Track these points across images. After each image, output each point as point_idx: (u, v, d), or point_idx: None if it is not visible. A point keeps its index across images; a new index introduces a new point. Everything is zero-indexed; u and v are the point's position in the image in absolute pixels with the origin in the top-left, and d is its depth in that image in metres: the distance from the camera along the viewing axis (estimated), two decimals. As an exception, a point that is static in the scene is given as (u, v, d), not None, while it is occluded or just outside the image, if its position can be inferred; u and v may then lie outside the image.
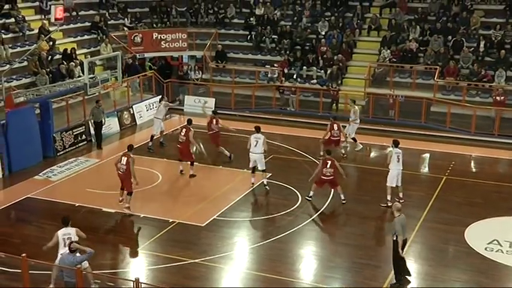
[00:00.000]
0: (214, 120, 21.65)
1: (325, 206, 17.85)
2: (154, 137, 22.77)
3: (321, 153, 20.99)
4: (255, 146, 18.86)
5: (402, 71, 28.07)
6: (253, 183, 19.20)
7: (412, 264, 14.65)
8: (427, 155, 22.96)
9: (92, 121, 23.19)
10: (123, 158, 17.15)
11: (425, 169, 21.96)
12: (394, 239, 13.45)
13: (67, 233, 12.86)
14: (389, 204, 17.21)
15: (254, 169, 19.17)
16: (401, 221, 13.54)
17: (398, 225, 13.41)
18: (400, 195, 17.96)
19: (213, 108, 27.19)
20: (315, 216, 17.33)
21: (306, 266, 15.07)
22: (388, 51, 28.27)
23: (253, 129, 19.41)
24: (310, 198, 18.04)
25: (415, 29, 28.92)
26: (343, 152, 22.21)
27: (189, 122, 20.31)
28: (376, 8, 30.95)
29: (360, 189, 19.57)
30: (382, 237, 16.27)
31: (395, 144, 18.04)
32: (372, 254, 15.33)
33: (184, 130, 19.88)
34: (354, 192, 19.08)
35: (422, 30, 28.84)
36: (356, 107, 23.27)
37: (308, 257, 15.46)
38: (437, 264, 14.87)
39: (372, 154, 23.60)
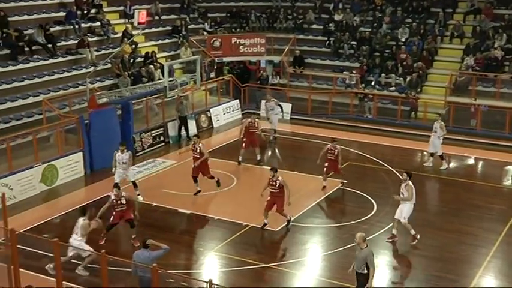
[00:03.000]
0: (254, 122, 21.62)
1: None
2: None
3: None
4: None
5: (486, 80, 27.18)
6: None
7: (492, 280, 14.13)
8: (510, 167, 22.11)
9: (177, 116, 24.10)
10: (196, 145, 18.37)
11: (508, 182, 21.14)
12: (366, 272, 12.27)
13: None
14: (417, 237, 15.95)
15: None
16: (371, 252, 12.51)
17: (371, 256, 12.33)
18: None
19: (289, 114, 27.31)
20: (390, 225, 16.97)
21: (379, 276, 14.74)
22: (472, 59, 27.46)
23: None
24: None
25: (501, 36, 27.95)
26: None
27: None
28: (460, 14, 30.15)
29: (438, 200, 19.07)
30: (462, 250, 15.75)
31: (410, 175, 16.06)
32: (450, 268, 14.86)
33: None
34: (433, 203, 18.62)
35: (509, 37, 27.86)
36: (442, 122, 21.83)
37: (382, 267, 15.13)
38: (518, 281, 14.29)
39: (452, 165, 22.95)
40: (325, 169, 19.33)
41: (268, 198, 16.59)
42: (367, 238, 15.92)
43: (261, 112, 28.22)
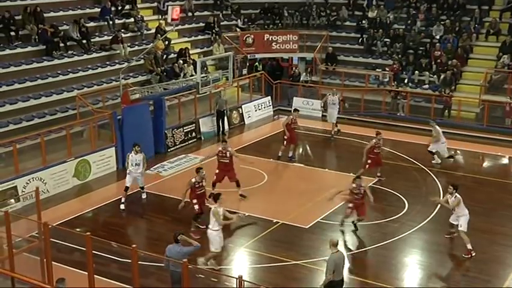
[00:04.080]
0: (296, 119, 21.57)
1: (432, 215, 17.26)
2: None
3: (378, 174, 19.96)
4: None
5: (522, 78, 26.72)
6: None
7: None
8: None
9: (216, 110, 24.45)
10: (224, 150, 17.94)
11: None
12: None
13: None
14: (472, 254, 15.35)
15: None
16: (337, 259, 12.32)
17: (331, 262, 12.19)
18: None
19: (321, 111, 27.18)
20: (422, 224, 16.81)
21: (410, 275, 14.65)
22: (508, 57, 26.97)
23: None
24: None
25: (538, 33, 27.46)
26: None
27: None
28: (496, 11, 29.61)
29: (471, 199, 18.73)
30: (494, 250, 15.51)
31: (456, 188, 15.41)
32: (482, 268, 14.66)
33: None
34: (466, 202, 18.25)
35: (547, 35, 27.34)
36: (437, 127, 21.32)
37: (413, 266, 15.03)
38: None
39: (485, 164, 22.65)
40: (367, 166, 19.31)
41: (351, 205, 16.24)
42: (399, 237, 15.98)
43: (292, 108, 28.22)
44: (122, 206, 17.84)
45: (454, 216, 15.47)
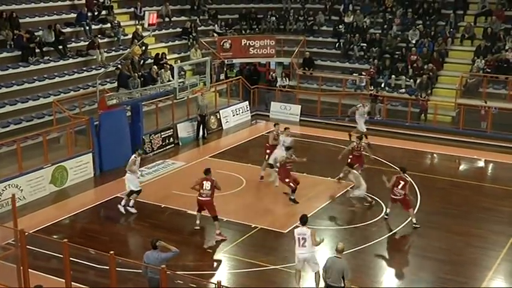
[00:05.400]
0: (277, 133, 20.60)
1: (410, 218, 17.39)
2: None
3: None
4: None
5: (497, 82, 27.01)
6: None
7: (502, 283, 14.05)
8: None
9: (198, 114, 24.54)
10: (205, 183, 16.12)
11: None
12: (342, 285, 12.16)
13: (302, 233, 13.30)
14: None
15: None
16: (331, 262, 12.32)
17: (323, 263, 12.43)
18: None
19: (298, 116, 27.22)
20: (399, 228, 16.94)
21: (388, 278, 14.75)
22: (483, 61, 27.33)
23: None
24: (387, 216, 17.42)
25: (512, 38, 27.85)
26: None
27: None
28: (471, 16, 29.99)
29: (448, 202, 18.97)
30: (471, 253, 15.68)
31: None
32: (459, 270, 14.81)
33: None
34: (442, 205, 18.53)
35: (520, 39, 27.73)
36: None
37: (391, 270, 15.13)
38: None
39: (461, 167, 22.90)
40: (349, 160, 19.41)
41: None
42: (377, 240, 16.09)
43: (270, 114, 28.28)
44: (133, 210, 17.75)
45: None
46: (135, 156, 17.93)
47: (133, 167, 17.76)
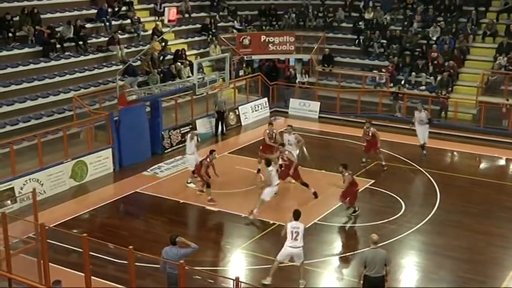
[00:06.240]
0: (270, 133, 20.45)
1: (429, 216, 17.28)
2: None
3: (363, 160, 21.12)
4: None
5: (518, 80, 26.76)
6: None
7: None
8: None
9: (215, 111, 24.55)
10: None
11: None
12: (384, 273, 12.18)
13: (296, 227, 13.40)
14: None
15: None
16: (369, 254, 12.25)
17: (361, 256, 12.54)
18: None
19: (317, 112, 27.14)
20: (419, 225, 16.81)
21: (407, 276, 14.65)
22: (505, 58, 27.02)
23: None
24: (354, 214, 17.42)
25: (534, 35, 27.51)
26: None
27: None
28: (493, 13, 29.67)
29: (468, 201, 18.79)
30: (491, 252, 15.52)
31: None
32: (479, 269, 14.66)
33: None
34: (462, 203, 18.36)
35: (543, 36, 27.39)
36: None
37: (410, 268, 15.03)
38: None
39: (482, 165, 22.67)
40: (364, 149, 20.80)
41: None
42: (396, 238, 15.99)
43: (289, 111, 28.23)
44: (192, 185, 19.12)
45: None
46: (190, 137, 19.44)
47: (192, 148, 19.31)
